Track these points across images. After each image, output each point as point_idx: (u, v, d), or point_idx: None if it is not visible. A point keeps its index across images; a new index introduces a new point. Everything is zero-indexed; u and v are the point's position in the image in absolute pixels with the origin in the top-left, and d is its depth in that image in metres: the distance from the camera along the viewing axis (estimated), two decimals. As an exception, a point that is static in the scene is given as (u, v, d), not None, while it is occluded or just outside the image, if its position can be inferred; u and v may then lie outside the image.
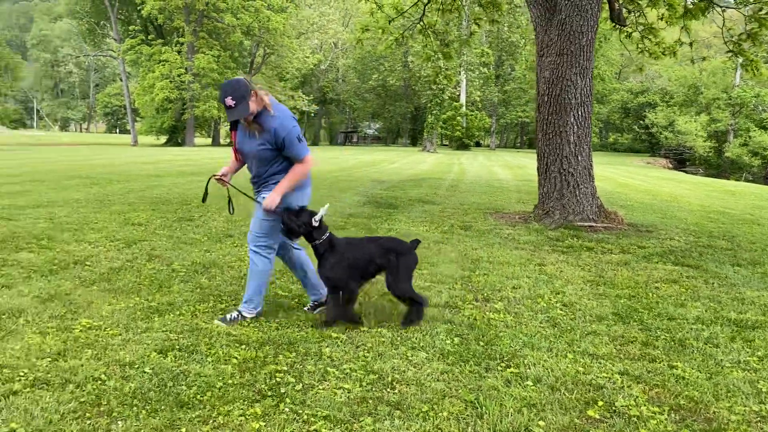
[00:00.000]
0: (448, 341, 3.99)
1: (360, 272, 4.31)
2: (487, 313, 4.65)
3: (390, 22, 13.79)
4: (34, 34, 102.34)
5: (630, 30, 12.47)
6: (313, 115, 71.61)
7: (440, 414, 3.02)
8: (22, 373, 3.25)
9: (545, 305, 4.92)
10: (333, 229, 7.73)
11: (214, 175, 4.39)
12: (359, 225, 8.38)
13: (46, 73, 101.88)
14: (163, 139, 56.14)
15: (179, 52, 48.19)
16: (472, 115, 55.50)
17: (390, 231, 8.11)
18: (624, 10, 11.42)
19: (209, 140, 60.23)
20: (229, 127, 4.36)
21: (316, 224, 4.21)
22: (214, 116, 50.38)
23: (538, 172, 9.35)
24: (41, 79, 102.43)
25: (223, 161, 23.50)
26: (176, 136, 53.04)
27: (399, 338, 4.02)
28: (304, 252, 4.65)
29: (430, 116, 50.34)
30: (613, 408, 3.15)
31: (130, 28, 53.11)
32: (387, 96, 71.60)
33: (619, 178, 23.08)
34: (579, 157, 8.87)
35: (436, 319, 4.43)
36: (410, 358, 3.70)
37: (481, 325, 4.35)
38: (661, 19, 12.01)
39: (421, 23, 14.31)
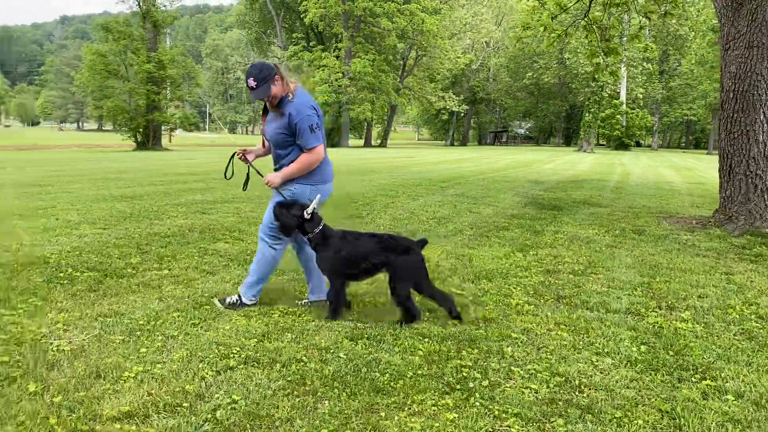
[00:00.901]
0: (634, 348, 3.86)
1: (353, 267, 4.21)
2: (674, 321, 4.43)
3: (553, 18, 13.51)
4: (207, 44, 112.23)
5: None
6: (462, 115, 71.70)
7: (635, 422, 2.94)
8: (234, 351, 3.62)
9: (737, 317, 4.59)
10: (495, 229, 7.76)
11: (238, 152, 4.52)
12: (524, 227, 8.27)
13: (217, 80, 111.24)
14: (321, 140, 58.83)
15: (337, 57, 50.42)
16: (632, 113, 52.59)
17: (557, 233, 7.95)
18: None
19: (361, 141, 62.32)
20: (261, 111, 4.47)
21: (308, 216, 4.18)
22: (368, 118, 52.08)
23: (720, 173, 8.67)
24: (213, 85, 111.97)
25: (377, 161, 24.04)
26: (332, 137, 55.54)
27: (581, 342, 3.95)
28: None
29: (587, 114, 48.42)
30: (833, 432, 2.89)
31: (293, 35, 56.57)
32: (540, 94, 69.87)
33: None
34: (769, 159, 8.12)
35: (618, 326, 4.29)
36: (595, 363, 3.62)
37: (668, 334, 4.15)
38: None
39: (586, 19, 13.85)
